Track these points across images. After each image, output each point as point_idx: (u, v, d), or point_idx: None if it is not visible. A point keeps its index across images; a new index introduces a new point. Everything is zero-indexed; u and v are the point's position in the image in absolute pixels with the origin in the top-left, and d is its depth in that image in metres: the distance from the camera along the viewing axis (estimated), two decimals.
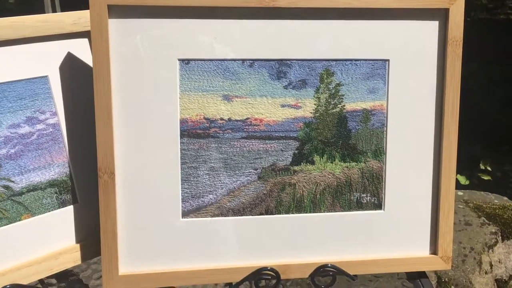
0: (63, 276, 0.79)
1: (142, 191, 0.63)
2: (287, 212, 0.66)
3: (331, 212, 0.67)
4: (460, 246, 1.38)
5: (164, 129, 0.63)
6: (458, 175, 2.09)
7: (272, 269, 0.65)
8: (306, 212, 0.66)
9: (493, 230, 1.47)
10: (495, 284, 1.42)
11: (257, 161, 0.65)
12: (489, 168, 2.23)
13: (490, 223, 1.49)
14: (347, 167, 0.67)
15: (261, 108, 0.64)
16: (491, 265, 1.41)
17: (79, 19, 0.66)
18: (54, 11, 2.78)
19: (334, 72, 0.65)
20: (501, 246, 1.47)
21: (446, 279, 1.31)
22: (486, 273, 1.39)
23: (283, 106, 0.65)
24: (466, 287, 1.31)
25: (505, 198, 1.73)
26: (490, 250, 1.43)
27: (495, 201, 1.68)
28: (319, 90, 0.65)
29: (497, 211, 1.56)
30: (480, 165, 2.23)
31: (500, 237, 1.47)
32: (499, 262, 1.45)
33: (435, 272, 1.34)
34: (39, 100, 0.65)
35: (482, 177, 2.20)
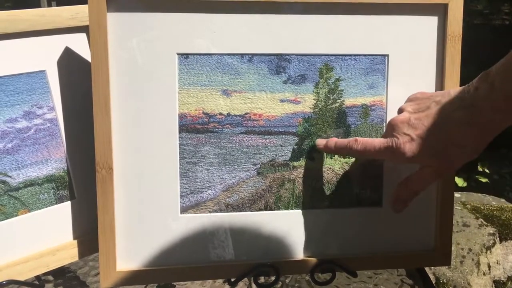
0: (60, 272, 0.78)
1: (140, 187, 0.63)
2: (286, 208, 0.66)
3: (331, 208, 0.66)
4: (458, 247, 1.37)
5: (163, 124, 0.62)
6: (456, 178, 2.10)
7: (271, 265, 0.65)
8: (305, 208, 0.66)
9: (491, 232, 1.47)
10: (493, 285, 1.42)
11: (256, 157, 0.65)
12: (487, 170, 2.23)
13: (488, 224, 1.49)
14: (346, 163, 0.67)
15: (260, 103, 0.64)
16: (489, 266, 1.41)
17: (76, 13, 0.66)
18: None
19: (334, 67, 0.65)
20: (499, 247, 1.47)
21: (444, 280, 1.31)
22: (484, 274, 1.38)
23: (282, 101, 0.65)
24: None
25: (503, 200, 1.73)
26: (488, 252, 1.42)
27: (493, 203, 1.68)
28: (319, 85, 0.65)
29: (494, 212, 1.55)
30: (478, 167, 2.23)
31: (498, 239, 1.47)
32: (497, 263, 1.45)
33: (434, 273, 1.34)
34: (37, 94, 0.64)
35: (480, 179, 2.20)
